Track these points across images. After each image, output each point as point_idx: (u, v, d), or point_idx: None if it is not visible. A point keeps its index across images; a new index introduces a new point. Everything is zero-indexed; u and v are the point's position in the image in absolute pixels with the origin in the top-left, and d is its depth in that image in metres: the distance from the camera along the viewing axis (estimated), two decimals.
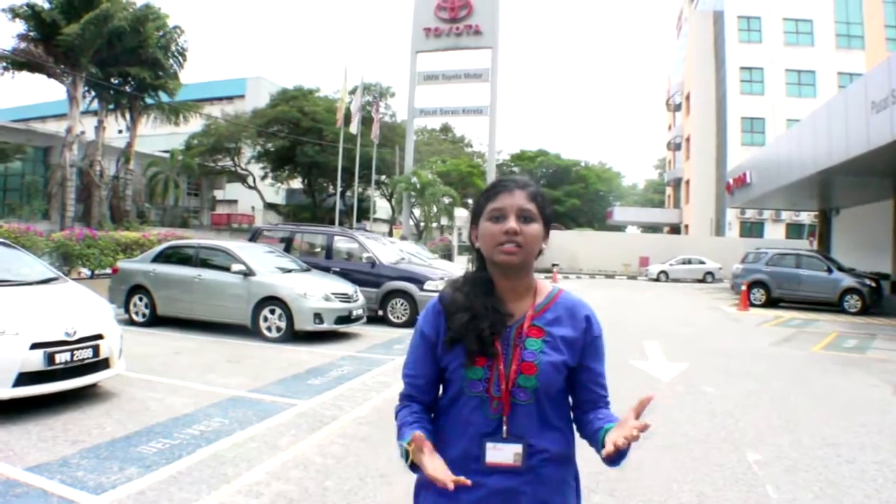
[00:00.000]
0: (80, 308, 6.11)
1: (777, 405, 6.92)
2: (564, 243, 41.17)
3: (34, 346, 5.28)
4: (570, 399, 1.79)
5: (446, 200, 33.57)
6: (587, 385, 1.75)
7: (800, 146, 19.31)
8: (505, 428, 1.65)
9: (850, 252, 24.87)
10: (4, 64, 28.35)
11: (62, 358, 5.46)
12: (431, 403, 1.80)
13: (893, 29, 42.27)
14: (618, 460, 1.55)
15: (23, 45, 27.90)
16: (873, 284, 18.92)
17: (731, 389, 7.67)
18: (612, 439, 1.51)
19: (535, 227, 1.67)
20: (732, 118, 44.72)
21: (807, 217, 40.87)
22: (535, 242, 1.67)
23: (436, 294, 1.83)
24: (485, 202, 1.71)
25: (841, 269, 19.65)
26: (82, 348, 5.65)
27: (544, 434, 1.68)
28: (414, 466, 1.59)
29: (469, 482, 1.49)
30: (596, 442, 1.67)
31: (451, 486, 1.47)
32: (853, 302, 18.60)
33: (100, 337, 5.87)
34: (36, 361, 5.28)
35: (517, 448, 1.65)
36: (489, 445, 1.66)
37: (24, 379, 5.23)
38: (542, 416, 1.68)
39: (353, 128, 32.10)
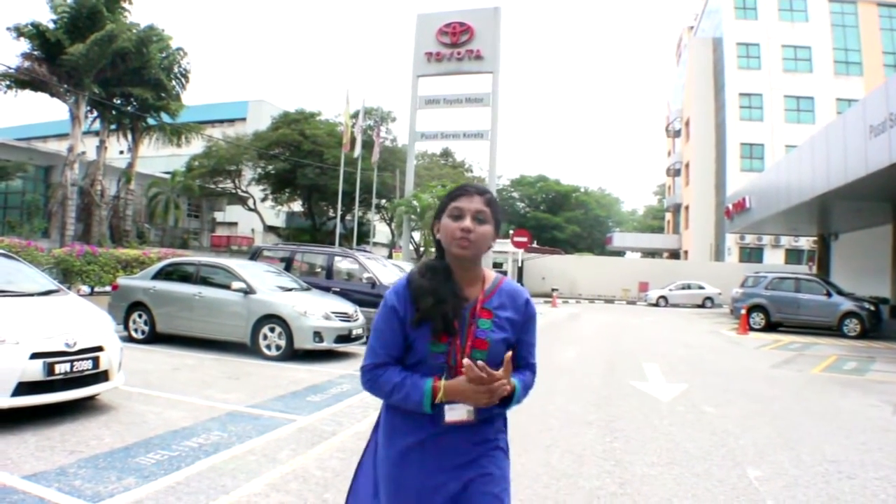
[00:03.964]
0: (81, 320, 6.10)
1: (777, 424, 6.90)
2: (564, 268, 41.28)
3: (34, 356, 5.28)
4: None
5: None
6: (521, 353, 2.08)
7: (799, 171, 19.42)
8: None
9: (849, 276, 24.91)
10: (8, 82, 28.48)
11: (62, 368, 5.45)
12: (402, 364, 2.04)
13: (891, 55, 42.77)
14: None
15: (26, 63, 27.95)
16: (872, 308, 18.95)
17: (731, 409, 7.64)
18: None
19: (487, 228, 1.96)
20: (732, 144, 45.00)
21: (806, 242, 40.98)
22: (484, 240, 1.96)
23: None
24: (448, 201, 1.99)
25: (840, 293, 19.68)
26: (82, 359, 5.65)
27: None
28: (434, 407, 1.90)
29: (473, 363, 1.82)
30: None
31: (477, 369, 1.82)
32: (852, 326, 18.62)
33: (100, 349, 5.87)
34: (35, 371, 5.27)
35: (469, 406, 1.92)
36: (447, 407, 1.92)
37: (24, 388, 5.22)
38: None
39: (356, 151, 32.23)
